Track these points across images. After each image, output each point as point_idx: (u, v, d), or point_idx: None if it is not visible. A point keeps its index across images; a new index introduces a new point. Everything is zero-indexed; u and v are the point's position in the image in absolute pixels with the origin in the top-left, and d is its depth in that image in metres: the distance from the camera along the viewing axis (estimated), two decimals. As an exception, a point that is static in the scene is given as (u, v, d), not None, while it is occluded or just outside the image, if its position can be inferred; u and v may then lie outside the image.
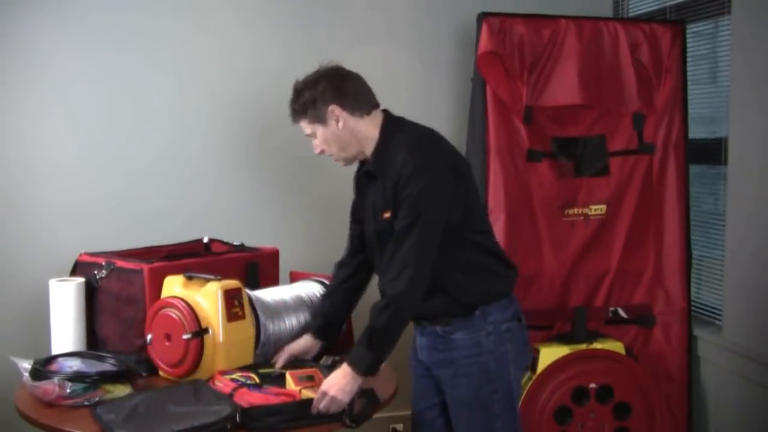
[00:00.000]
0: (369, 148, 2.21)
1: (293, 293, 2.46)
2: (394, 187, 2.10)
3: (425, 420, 2.38)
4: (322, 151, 2.26)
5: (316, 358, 2.37)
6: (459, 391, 2.22)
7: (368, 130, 2.20)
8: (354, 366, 2.05)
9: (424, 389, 2.36)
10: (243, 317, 2.22)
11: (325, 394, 2.02)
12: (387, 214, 2.14)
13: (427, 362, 2.29)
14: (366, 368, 2.05)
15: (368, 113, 2.21)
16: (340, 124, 2.18)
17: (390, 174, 2.12)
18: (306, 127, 2.24)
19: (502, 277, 2.28)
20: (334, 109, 2.17)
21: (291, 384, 2.08)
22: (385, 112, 2.25)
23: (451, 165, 2.15)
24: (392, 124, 2.21)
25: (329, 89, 2.18)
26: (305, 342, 2.37)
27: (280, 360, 2.31)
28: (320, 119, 2.20)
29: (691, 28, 3.31)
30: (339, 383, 2.03)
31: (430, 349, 2.27)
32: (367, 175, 2.24)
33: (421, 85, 3.45)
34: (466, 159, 2.32)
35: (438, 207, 2.09)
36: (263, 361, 2.28)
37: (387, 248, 2.15)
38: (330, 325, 2.41)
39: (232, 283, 2.24)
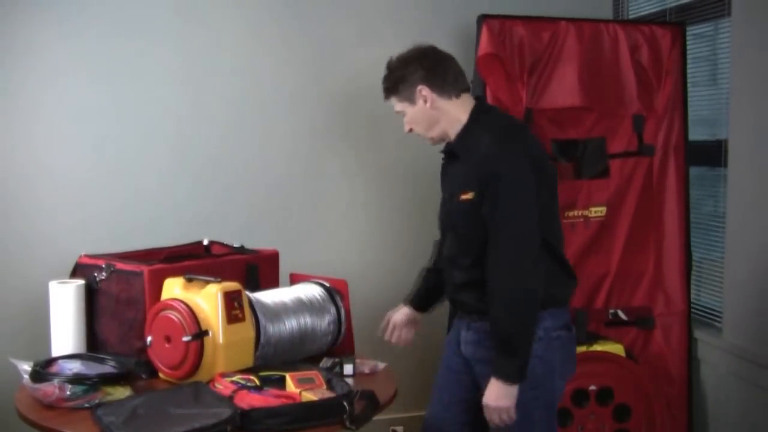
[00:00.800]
0: (455, 130, 2.23)
1: (293, 295, 2.45)
2: (478, 169, 2.11)
3: (447, 418, 2.36)
4: (411, 129, 2.29)
5: (316, 360, 2.38)
6: None
7: (456, 112, 2.23)
8: (501, 377, 2.08)
9: (453, 383, 2.34)
10: (243, 319, 2.21)
11: (488, 407, 2.10)
12: (465, 195, 2.15)
13: (471, 357, 2.27)
14: (516, 375, 2.08)
15: (457, 96, 2.23)
16: (428, 104, 2.22)
17: (473, 155, 2.15)
18: (396, 105, 2.28)
19: (564, 286, 2.26)
20: (422, 89, 2.21)
21: (291, 386, 2.08)
22: (478, 98, 2.29)
23: (534, 157, 2.15)
24: (482, 109, 2.25)
25: (420, 70, 2.22)
26: (407, 312, 2.46)
27: (395, 337, 2.42)
28: (409, 98, 2.24)
29: (691, 30, 3.31)
30: (494, 394, 2.09)
31: (475, 345, 2.25)
32: (449, 155, 2.27)
33: (421, 86, 3.45)
34: (550, 159, 2.36)
35: (528, 192, 2.09)
36: (263, 363, 2.27)
37: (456, 230, 2.20)
38: (430, 298, 2.48)
39: (232, 285, 2.23)
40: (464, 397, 2.31)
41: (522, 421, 2.16)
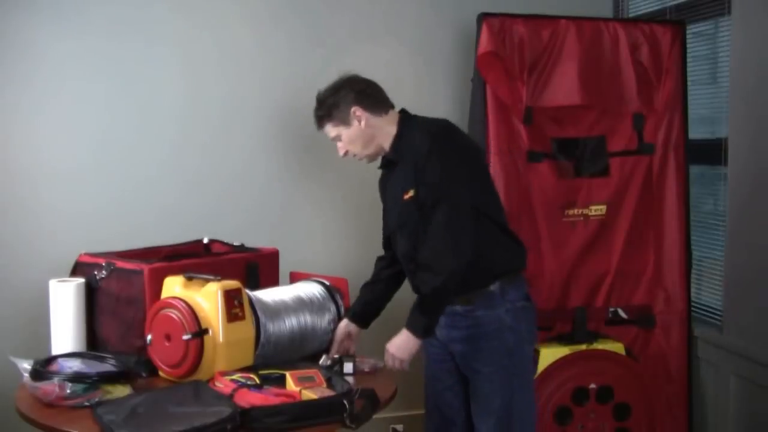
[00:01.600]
0: (388, 143, 2.40)
1: (293, 294, 2.45)
2: (414, 164, 2.28)
3: (444, 401, 2.49)
4: (346, 153, 2.44)
5: (317, 359, 2.38)
6: (480, 366, 2.35)
7: (387, 126, 2.40)
8: (412, 331, 2.26)
9: (440, 371, 2.48)
10: (243, 318, 2.21)
11: (388, 353, 2.28)
12: (408, 194, 2.31)
13: (446, 339, 2.40)
14: (422, 331, 2.26)
15: (387, 112, 2.42)
16: (363, 123, 2.38)
17: (408, 155, 2.32)
18: (331, 130, 2.42)
19: (517, 255, 2.41)
20: (356, 110, 2.38)
21: (291, 384, 2.08)
22: (402, 110, 2.46)
23: (463, 142, 2.38)
24: (408, 117, 2.43)
25: (350, 93, 2.39)
26: (345, 326, 2.48)
27: (335, 351, 2.43)
28: (344, 121, 2.39)
29: (691, 29, 3.31)
30: (397, 342, 2.27)
31: (449, 327, 2.38)
32: (388, 164, 2.43)
33: (422, 85, 3.45)
34: (478, 146, 2.64)
35: (462, 173, 2.27)
36: (263, 361, 2.27)
37: (406, 228, 2.33)
38: (367, 312, 2.53)
39: (232, 283, 2.23)
40: (450, 383, 2.46)
41: (501, 390, 2.33)
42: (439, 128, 2.35)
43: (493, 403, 2.34)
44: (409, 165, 2.30)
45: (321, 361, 2.36)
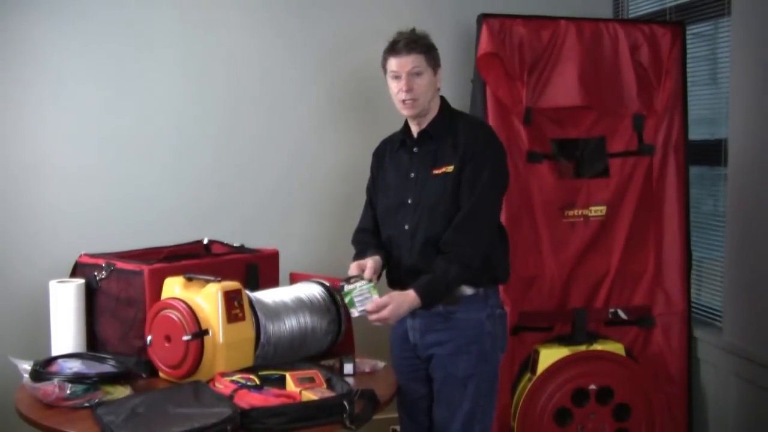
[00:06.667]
0: (432, 114, 2.43)
1: (293, 294, 2.45)
2: (465, 147, 2.32)
3: (419, 410, 2.48)
4: (411, 90, 2.35)
5: (316, 359, 2.37)
6: (456, 369, 2.35)
7: (437, 98, 2.45)
8: (425, 301, 2.26)
9: (412, 382, 2.45)
10: (243, 318, 2.21)
11: (383, 316, 2.23)
12: (442, 169, 2.34)
13: (420, 343, 2.40)
14: (428, 305, 2.29)
15: None
16: (438, 82, 2.43)
17: (453, 136, 2.36)
18: (419, 65, 2.36)
19: (508, 263, 2.46)
20: (439, 69, 2.43)
21: (291, 385, 2.08)
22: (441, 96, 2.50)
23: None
24: (448, 104, 2.48)
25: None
26: (376, 259, 2.41)
27: (369, 271, 2.34)
28: (434, 67, 2.41)
29: (691, 30, 3.31)
30: (402, 309, 2.24)
31: (424, 331, 2.38)
32: (423, 135, 2.42)
33: (421, 86, 3.45)
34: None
35: (505, 178, 2.40)
36: (263, 362, 2.27)
37: (428, 203, 2.34)
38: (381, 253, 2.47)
39: (232, 284, 2.23)
40: (428, 389, 2.45)
41: (472, 393, 2.34)
42: (494, 131, 2.44)
43: (462, 406, 2.34)
44: (456, 144, 2.34)
45: (321, 362, 2.35)
